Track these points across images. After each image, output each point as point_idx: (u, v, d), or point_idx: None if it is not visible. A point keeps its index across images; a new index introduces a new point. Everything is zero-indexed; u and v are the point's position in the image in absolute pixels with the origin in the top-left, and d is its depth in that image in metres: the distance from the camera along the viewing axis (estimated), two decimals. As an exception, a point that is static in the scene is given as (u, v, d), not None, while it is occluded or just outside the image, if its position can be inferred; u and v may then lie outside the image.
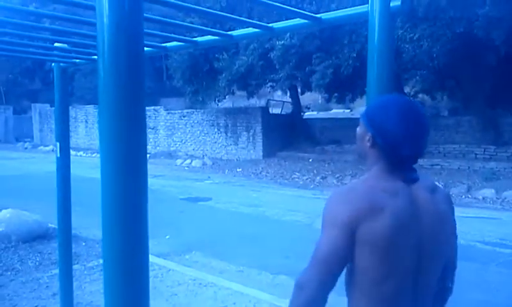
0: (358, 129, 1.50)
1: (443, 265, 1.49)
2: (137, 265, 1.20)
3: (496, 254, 5.77)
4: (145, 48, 2.40)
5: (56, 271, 4.20)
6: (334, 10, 2.14)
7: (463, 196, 10.10)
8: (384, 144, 1.38)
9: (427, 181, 1.48)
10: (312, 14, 2.07)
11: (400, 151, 1.36)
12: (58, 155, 3.46)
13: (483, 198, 9.84)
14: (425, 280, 1.41)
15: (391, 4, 1.76)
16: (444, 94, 17.65)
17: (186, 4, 2.07)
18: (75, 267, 4.57)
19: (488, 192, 10.03)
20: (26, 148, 24.73)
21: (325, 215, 1.38)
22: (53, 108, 3.52)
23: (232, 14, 2.28)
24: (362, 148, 1.48)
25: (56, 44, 3.01)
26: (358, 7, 1.97)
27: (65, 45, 2.95)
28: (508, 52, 10.71)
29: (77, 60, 3.21)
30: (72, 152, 3.56)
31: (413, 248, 1.35)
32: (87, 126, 24.01)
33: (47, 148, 23.11)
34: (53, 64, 3.39)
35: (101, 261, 4.81)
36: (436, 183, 1.55)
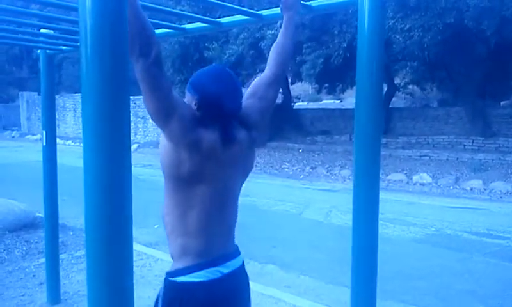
0: (185, 98, 1.68)
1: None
2: (121, 254, 1.18)
3: (484, 245, 5.83)
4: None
5: (43, 260, 4.16)
6: (324, -1, 2.12)
7: (451, 187, 10.17)
8: (208, 105, 1.59)
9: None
10: (303, 1, 2.04)
11: (222, 107, 1.58)
12: (44, 144, 3.42)
13: (471, 189, 9.91)
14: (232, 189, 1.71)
15: (381, -7, 1.74)
16: (434, 86, 17.71)
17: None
18: (62, 256, 4.54)
19: (476, 183, 10.11)
20: (13, 137, 24.50)
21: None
22: (40, 96, 3.46)
23: (222, 1, 2.25)
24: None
25: (42, 30, 2.95)
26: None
27: (51, 32, 2.90)
28: (498, 42, 10.74)
29: (64, 47, 3.16)
30: (60, 141, 3.52)
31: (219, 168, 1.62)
32: (75, 115, 23.81)
33: (35, 137, 22.89)
34: (39, 51, 3.34)
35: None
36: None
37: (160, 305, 1.68)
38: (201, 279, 1.62)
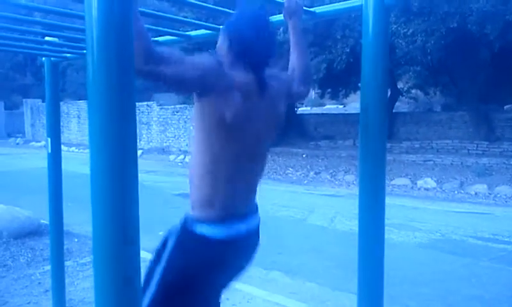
0: (218, 41, 1.70)
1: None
2: (129, 261, 1.18)
3: (489, 249, 5.80)
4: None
5: (48, 267, 4.16)
6: (328, 3, 2.12)
7: (456, 192, 10.13)
8: (239, 50, 1.60)
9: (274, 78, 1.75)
10: (306, 7, 2.05)
11: (253, 51, 1.60)
12: (49, 151, 3.42)
13: (476, 193, 9.87)
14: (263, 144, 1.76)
15: (385, -1, 1.74)
16: (437, 90, 17.70)
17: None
18: (67, 263, 4.53)
19: (481, 187, 10.07)
20: (18, 144, 24.57)
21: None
22: (45, 103, 3.48)
23: (225, 8, 2.26)
24: (221, 56, 1.67)
25: (47, 38, 2.96)
26: (352, 1, 1.95)
27: (56, 39, 2.91)
28: (502, 47, 10.73)
29: (69, 55, 3.17)
30: (64, 148, 3.53)
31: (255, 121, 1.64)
32: (79, 122, 23.88)
33: (39, 144, 22.95)
34: (44, 58, 3.35)
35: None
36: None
37: (171, 248, 1.67)
38: (221, 236, 1.64)
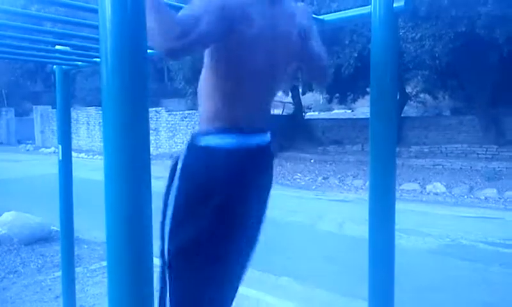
0: None
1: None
2: (142, 267, 1.19)
3: (500, 255, 5.75)
4: (148, 51, 2.39)
5: (59, 274, 4.19)
6: (335, 10, 2.14)
7: (465, 196, 10.07)
8: None
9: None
10: (315, 15, 2.06)
11: None
12: (60, 158, 3.45)
13: (485, 198, 9.80)
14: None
15: (394, 5, 1.75)
16: (446, 94, 17.61)
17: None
18: (77, 269, 4.56)
19: (490, 192, 10.00)
20: (28, 150, 24.74)
21: None
22: (54, 110, 3.53)
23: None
24: None
25: (58, 47, 3.00)
26: (360, 8, 1.96)
27: (67, 48, 2.94)
28: (510, 50, 10.67)
29: (79, 63, 3.20)
30: (74, 154, 3.57)
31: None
32: (88, 128, 24.02)
33: (49, 150, 23.12)
34: (55, 66, 3.39)
35: (103, 263, 4.80)
36: None
37: (179, 172, 1.62)
38: (227, 145, 1.58)
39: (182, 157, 1.64)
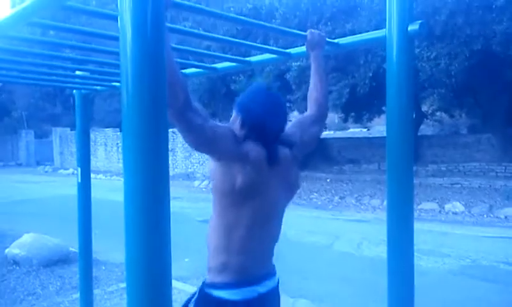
0: (232, 115, 1.77)
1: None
2: (161, 289, 1.20)
3: (522, 276, 5.64)
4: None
5: (77, 296, 4.22)
6: (349, 29, 2.17)
7: (485, 216, 9.90)
8: (251, 125, 1.67)
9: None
10: (330, 39, 2.08)
11: (265, 129, 1.67)
12: (79, 180, 3.51)
13: (505, 217, 9.63)
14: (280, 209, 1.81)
15: (409, 29, 1.76)
16: (462, 112, 17.45)
17: (206, 34, 2.10)
18: (95, 291, 4.58)
19: (510, 211, 9.82)
20: (47, 172, 25.07)
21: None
22: (73, 131, 3.59)
23: (248, 36, 2.31)
24: (235, 129, 1.72)
25: (78, 72, 3.07)
26: (375, 32, 1.98)
27: (87, 73, 3.01)
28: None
29: (98, 87, 3.27)
30: (92, 175, 3.62)
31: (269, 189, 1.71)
32: (106, 150, 24.29)
33: (67, 171, 23.41)
34: (74, 91, 3.46)
35: (121, 285, 4.81)
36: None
37: None
38: (236, 298, 1.67)
39: (193, 300, 1.78)
